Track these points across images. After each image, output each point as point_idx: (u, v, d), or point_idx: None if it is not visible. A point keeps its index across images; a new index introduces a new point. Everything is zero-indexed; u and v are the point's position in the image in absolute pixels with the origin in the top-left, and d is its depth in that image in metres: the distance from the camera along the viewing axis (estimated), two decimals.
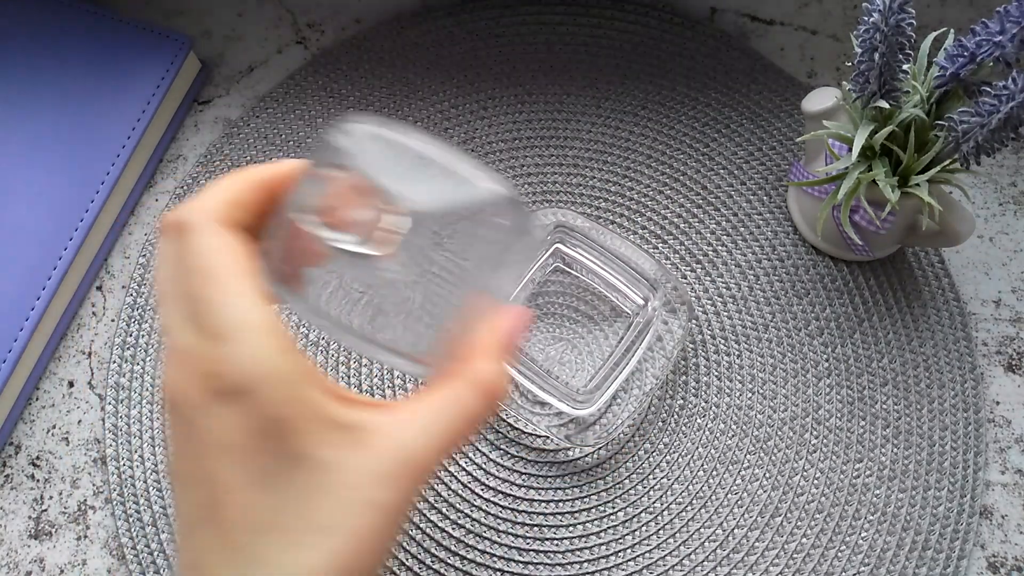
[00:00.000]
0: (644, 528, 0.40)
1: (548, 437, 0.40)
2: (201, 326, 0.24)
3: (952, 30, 0.36)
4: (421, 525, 0.40)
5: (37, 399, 0.43)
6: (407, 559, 0.40)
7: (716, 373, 0.42)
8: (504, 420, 0.41)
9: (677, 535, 0.40)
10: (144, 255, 0.45)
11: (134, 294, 0.44)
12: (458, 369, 0.27)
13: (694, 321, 0.43)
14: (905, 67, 0.34)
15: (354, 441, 0.25)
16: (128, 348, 0.43)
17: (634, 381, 0.40)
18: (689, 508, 0.40)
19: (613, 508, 0.40)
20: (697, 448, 0.41)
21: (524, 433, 0.41)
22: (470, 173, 0.28)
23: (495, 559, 0.40)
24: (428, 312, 0.28)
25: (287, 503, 0.24)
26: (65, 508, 0.41)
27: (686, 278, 0.44)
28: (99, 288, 0.45)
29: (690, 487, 0.40)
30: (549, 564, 0.39)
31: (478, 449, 0.41)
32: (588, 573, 0.39)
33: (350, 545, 0.24)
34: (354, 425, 0.25)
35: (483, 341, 0.28)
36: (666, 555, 0.40)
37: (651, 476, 0.41)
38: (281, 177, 0.27)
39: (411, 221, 0.27)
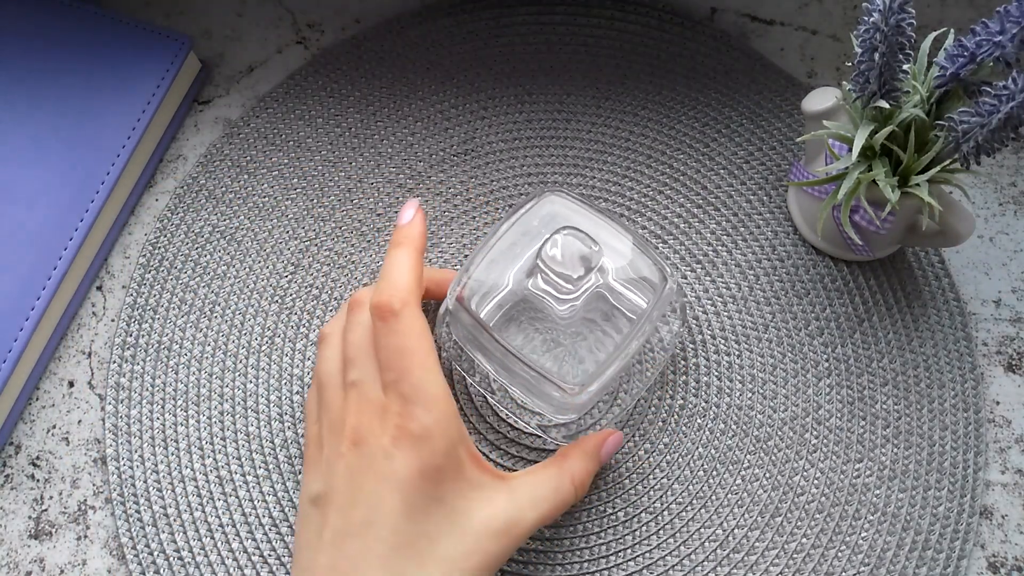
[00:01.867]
0: (644, 528, 0.40)
1: (543, 438, 0.40)
2: (399, 391, 0.32)
3: (952, 30, 0.36)
4: None
5: (37, 399, 0.43)
6: None
7: (716, 373, 0.42)
8: (504, 420, 0.41)
9: (677, 535, 0.40)
10: (144, 255, 0.45)
11: (134, 294, 0.44)
12: (560, 463, 0.36)
13: (694, 320, 0.43)
14: (905, 67, 0.34)
15: (480, 498, 0.33)
16: (128, 348, 0.43)
17: (623, 386, 0.40)
18: (689, 508, 0.40)
19: (613, 508, 0.40)
20: (697, 448, 0.41)
21: (524, 433, 0.41)
22: (632, 250, 0.36)
23: None
24: (587, 350, 0.36)
25: (425, 533, 0.31)
26: (65, 508, 0.41)
27: (686, 278, 0.44)
28: (99, 288, 0.45)
29: (690, 487, 0.40)
30: (549, 564, 0.39)
31: (478, 448, 0.41)
32: (588, 573, 0.39)
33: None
34: (483, 485, 0.33)
35: (586, 442, 0.37)
36: (666, 555, 0.40)
37: (651, 476, 0.41)
38: (439, 278, 0.39)
39: (595, 280, 0.36)
